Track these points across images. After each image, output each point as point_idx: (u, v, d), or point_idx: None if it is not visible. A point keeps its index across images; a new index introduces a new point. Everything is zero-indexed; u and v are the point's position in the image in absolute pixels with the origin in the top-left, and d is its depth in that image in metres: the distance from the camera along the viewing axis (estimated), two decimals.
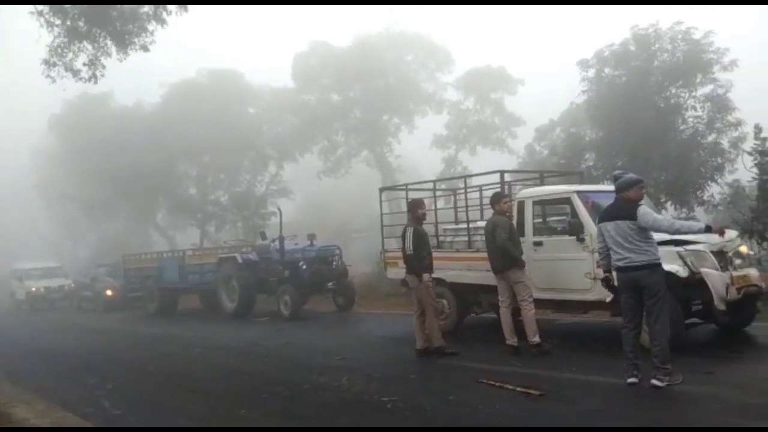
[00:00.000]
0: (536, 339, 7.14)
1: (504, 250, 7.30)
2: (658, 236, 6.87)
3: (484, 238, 8.02)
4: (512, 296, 7.42)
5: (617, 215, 5.68)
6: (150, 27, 14.54)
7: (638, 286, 5.52)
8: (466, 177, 10.21)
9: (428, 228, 10.30)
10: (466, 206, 9.84)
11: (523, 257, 8.08)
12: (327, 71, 27.00)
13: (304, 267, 13.26)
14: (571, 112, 22.26)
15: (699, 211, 17.91)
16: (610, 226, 5.69)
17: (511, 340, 7.36)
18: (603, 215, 5.97)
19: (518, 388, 5.61)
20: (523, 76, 28.26)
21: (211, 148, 26.05)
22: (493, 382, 5.91)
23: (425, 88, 28.67)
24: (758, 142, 10.72)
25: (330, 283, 13.49)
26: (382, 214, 10.79)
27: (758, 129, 10.88)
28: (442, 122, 29.51)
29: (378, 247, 11.09)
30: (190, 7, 13.95)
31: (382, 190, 11.19)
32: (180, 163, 27.58)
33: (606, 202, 8.43)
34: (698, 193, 16.60)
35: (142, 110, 28.39)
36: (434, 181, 10.49)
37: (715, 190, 17.06)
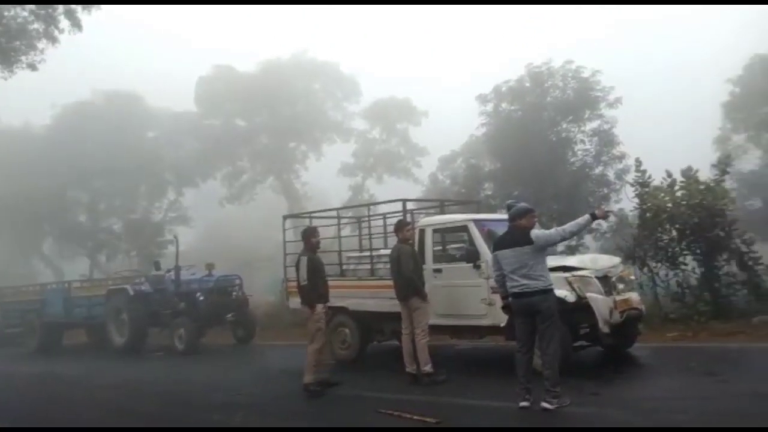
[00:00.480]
0: (428, 368, 7.13)
1: (409, 280, 7.32)
2: (551, 262, 7.21)
3: (387, 266, 8.07)
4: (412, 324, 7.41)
5: (515, 242, 5.84)
6: (40, 45, 13.63)
7: (533, 311, 5.69)
8: (369, 205, 10.24)
9: (331, 257, 10.25)
10: (370, 234, 9.85)
11: (426, 283, 8.23)
12: (232, 96, 26.50)
13: (201, 298, 12.69)
14: (472, 143, 23.13)
15: (588, 239, 19.04)
16: (508, 253, 5.84)
17: (411, 367, 7.33)
18: (498, 244, 6.13)
19: (415, 417, 5.58)
20: (427, 108, 29.18)
21: (105, 172, 24.66)
22: (391, 412, 5.85)
23: (333, 117, 28.84)
24: (639, 174, 11.52)
25: (229, 315, 12.95)
26: (285, 242, 10.58)
27: (638, 162, 11.74)
28: (349, 150, 29.78)
29: (282, 276, 10.83)
30: (86, 25, 13.34)
31: (285, 217, 10.99)
32: (70, 188, 25.86)
33: (502, 229, 8.79)
34: None
35: (30, 132, 26.55)
36: (338, 209, 10.43)
37: (602, 220, 18.25)
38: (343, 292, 8.99)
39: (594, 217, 5.82)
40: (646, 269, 11.08)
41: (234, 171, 27.52)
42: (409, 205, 9.44)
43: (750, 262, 10.29)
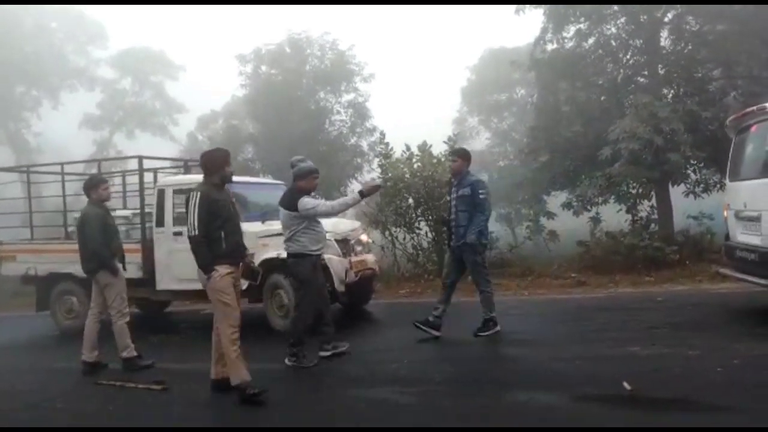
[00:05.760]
0: (126, 354, 6.07)
1: (94, 251, 6.10)
2: None
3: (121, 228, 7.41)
4: (104, 304, 6.20)
5: (285, 204, 5.75)
6: None
7: (288, 274, 5.68)
8: (100, 161, 9.26)
9: (55, 217, 9.16)
10: None
11: (165, 247, 7.82)
12: None
13: None
14: (233, 104, 22.54)
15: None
16: (281, 213, 5.76)
17: (90, 355, 6.09)
18: (279, 201, 5.94)
19: (140, 386, 5.28)
20: (186, 62, 27.54)
21: None
22: (113, 382, 5.46)
23: (74, 61, 25.45)
24: (383, 147, 12.35)
25: None
26: None
27: (383, 135, 12.58)
28: (94, 101, 26.68)
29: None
30: None
31: None
32: None
33: (250, 193, 8.74)
34: (341, 189, 18.61)
35: None
36: (62, 164, 9.21)
37: (356, 187, 19.35)
38: (70, 256, 8.06)
39: (362, 195, 5.76)
40: (387, 233, 12.00)
41: None
42: (150, 164, 8.80)
43: None
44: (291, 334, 5.72)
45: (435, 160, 11.71)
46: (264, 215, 7.94)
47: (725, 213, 7.16)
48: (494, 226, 14.99)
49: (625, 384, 4.45)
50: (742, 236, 6.61)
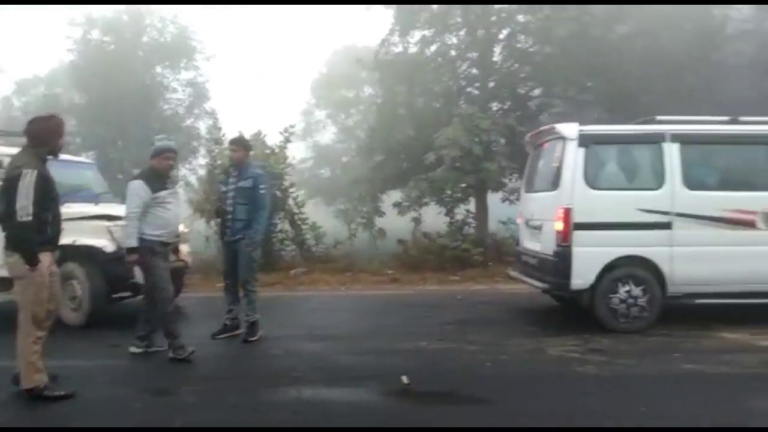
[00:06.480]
0: None
1: None
2: (94, 210, 6.87)
3: None
4: None
5: None
6: None
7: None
8: None
9: None
10: None
11: None
12: None
13: None
14: (60, 71, 20.49)
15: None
16: None
17: None
18: None
19: None
20: (9, 17, 24.49)
21: None
22: None
23: None
24: (215, 131, 11.96)
25: None
26: None
27: (215, 119, 12.20)
28: None
29: None
30: None
31: None
32: None
33: (53, 171, 7.97)
34: (173, 172, 17.70)
35: None
36: None
37: (188, 174, 18.53)
38: None
39: (132, 251, 5.51)
40: (212, 223, 11.60)
41: None
42: None
43: (299, 222, 11.81)
44: (156, 320, 5.58)
45: (268, 150, 11.55)
46: (63, 197, 7.29)
47: (519, 221, 7.91)
48: (332, 222, 15.21)
49: (404, 378, 4.73)
50: (528, 243, 7.35)
